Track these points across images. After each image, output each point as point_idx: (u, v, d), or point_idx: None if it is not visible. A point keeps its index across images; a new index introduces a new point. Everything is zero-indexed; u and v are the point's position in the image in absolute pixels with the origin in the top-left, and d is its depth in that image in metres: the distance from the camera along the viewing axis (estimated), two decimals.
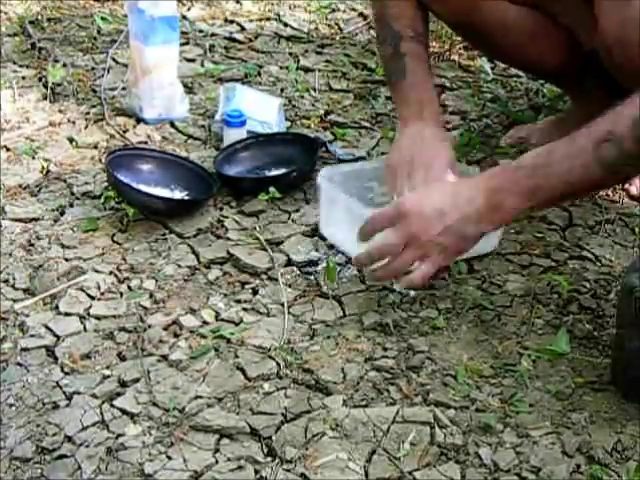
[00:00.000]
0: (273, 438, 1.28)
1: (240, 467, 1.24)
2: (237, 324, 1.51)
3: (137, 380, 1.38)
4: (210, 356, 1.43)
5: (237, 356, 1.44)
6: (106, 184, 1.84)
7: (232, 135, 1.97)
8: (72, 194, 1.85)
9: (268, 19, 2.73)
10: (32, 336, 1.47)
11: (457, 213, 1.40)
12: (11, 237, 1.71)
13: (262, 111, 2.07)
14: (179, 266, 1.64)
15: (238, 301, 1.56)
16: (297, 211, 1.80)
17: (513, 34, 1.80)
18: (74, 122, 2.12)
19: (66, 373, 1.40)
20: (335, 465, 1.24)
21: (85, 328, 1.49)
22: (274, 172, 1.91)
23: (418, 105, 1.70)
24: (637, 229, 1.73)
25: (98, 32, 2.58)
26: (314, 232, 1.74)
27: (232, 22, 2.71)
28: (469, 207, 1.40)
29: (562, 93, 2.18)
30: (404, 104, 1.73)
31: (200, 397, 1.35)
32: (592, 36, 1.57)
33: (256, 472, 1.24)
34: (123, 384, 1.38)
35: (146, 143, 2.03)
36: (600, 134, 1.30)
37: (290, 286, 1.60)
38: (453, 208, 1.41)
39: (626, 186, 1.84)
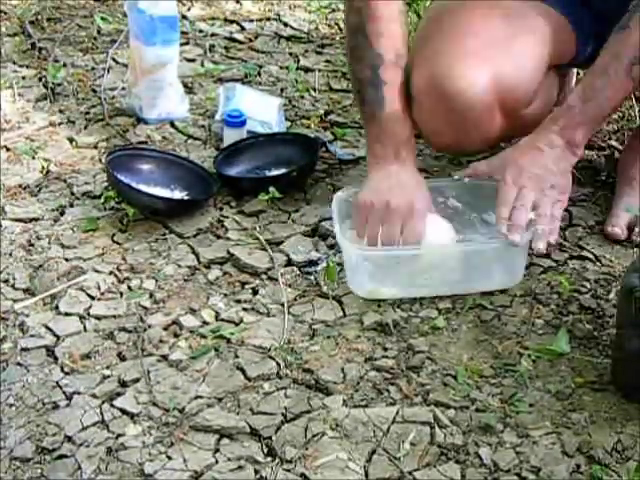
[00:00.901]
0: (273, 438, 1.28)
1: (240, 467, 1.24)
2: (237, 324, 1.51)
3: (137, 380, 1.39)
4: (210, 356, 1.44)
5: (237, 356, 1.44)
6: (106, 184, 1.84)
7: (232, 135, 1.97)
8: (72, 194, 1.85)
9: (268, 19, 2.72)
10: (32, 336, 1.47)
11: (550, 157, 1.57)
12: (11, 237, 1.71)
13: (262, 111, 2.07)
14: (179, 266, 1.64)
15: (238, 301, 1.56)
16: (297, 211, 1.80)
17: None
18: (74, 122, 2.12)
19: (66, 373, 1.40)
20: (335, 465, 1.24)
21: (85, 328, 1.50)
22: (274, 172, 1.91)
23: (394, 144, 1.60)
24: (637, 229, 1.72)
25: (98, 32, 2.58)
26: (314, 232, 1.73)
27: (232, 22, 2.71)
28: (555, 149, 1.57)
29: None
30: (378, 141, 1.62)
31: (200, 397, 1.35)
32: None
33: (256, 472, 1.24)
34: (123, 384, 1.38)
35: (146, 143, 2.03)
36: (629, 61, 1.54)
37: (290, 286, 1.60)
38: (546, 156, 1.57)
39: (608, 229, 1.71)
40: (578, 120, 1.56)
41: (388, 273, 1.56)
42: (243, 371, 1.41)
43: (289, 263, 1.65)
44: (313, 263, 1.64)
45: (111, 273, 1.62)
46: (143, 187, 1.78)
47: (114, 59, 2.41)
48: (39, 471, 1.24)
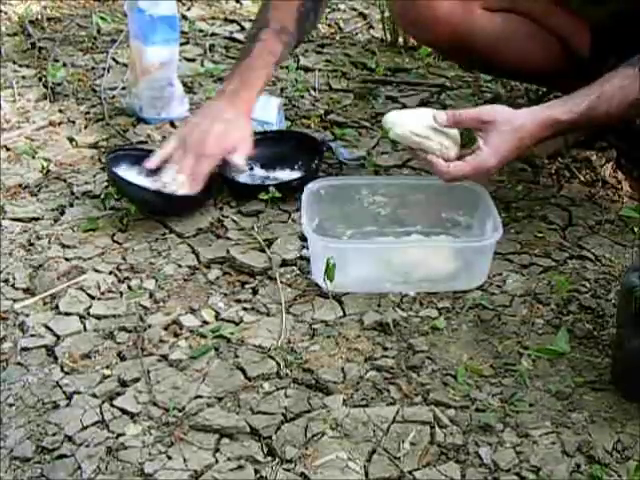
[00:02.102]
0: (273, 438, 1.28)
1: (240, 467, 1.24)
2: (237, 324, 1.51)
3: (137, 380, 1.39)
4: (210, 356, 1.44)
5: (237, 356, 1.44)
6: (106, 184, 1.84)
7: None
8: (72, 194, 1.85)
9: None
10: (32, 336, 1.47)
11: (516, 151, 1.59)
12: (11, 237, 1.72)
13: (262, 111, 2.06)
14: (179, 266, 1.64)
15: (238, 301, 1.56)
16: (297, 211, 1.79)
17: (509, 42, 1.82)
18: (74, 122, 2.12)
19: (66, 373, 1.40)
20: (335, 465, 1.24)
21: (85, 328, 1.50)
22: (277, 173, 1.89)
23: (234, 85, 1.78)
24: (637, 229, 1.72)
25: (98, 32, 2.58)
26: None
27: (232, 22, 2.72)
28: (529, 139, 1.58)
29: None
30: (226, 80, 1.83)
31: (200, 397, 1.35)
32: (583, 44, 1.84)
33: (256, 472, 1.24)
34: (123, 384, 1.38)
35: (146, 143, 2.03)
36: (629, 101, 1.57)
37: (290, 286, 1.60)
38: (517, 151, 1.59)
39: None
40: (560, 131, 1.61)
41: (353, 266, 1.56)
42: (243, 371, 1.41)
43: (289, 263, 1.65)
44: (308, 260, 1.63)
45: (111, 273, 1.62)
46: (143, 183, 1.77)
47: (114, 59, 2.42)
48: (39, 471, 1.24)
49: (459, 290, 1.57)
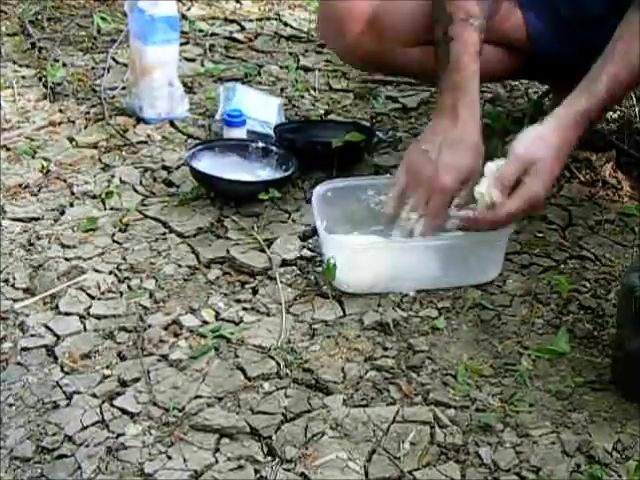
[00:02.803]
0: (273, 438, 1.28)
1: (240, 467, 1.24)
2: (237, 324, 1.51)
3: (137, 380, 1.39)
4: (210, 356, 1.44)
5: (237, 356, 1.44)
6: (106, 183, 1.84)
7: (232, 135, 1.97)
8: (72, 194, 1.85)
9: (268, 19, 2.73)
10: (32, 336, 1.47)
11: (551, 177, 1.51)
12: (11, 237, 1.71)
13: (262, 111, 2.07)
14: (179, 266, 1.64)
15: (238, 301, 1.56)
16: (297, 211, 1.80)
17: None
18: (74, 122, 2.12)
19: (66, 373, 1.40)
20: (335, 465, 1.24)
21: (85, 328, 1.50)
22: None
23: (453, 94, 1.63)
24: (637, 229, 1.72)
25: (98, 32, 2.58)
26: (314, 232, 1.73)
27: (232, 22, 2.71)
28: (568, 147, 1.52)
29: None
30: (440, 92, 1.66)
31: (200, 397, 1.35)
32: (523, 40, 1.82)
33: (256, 472, 1.24)
34: (123, 384, 1.38)
35: (146, 143, 2.03)
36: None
37: (290, 286, 1.60)
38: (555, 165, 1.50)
39: None
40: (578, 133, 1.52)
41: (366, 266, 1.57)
42: (243, 371, 1.41)
43: (289, 263, 1.65)
44: (314, 262, 1.64)
45: (111, 273, 1.62)
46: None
47: (114, 59, 2.42)
48: (39, 471, 1.24)
49: (463, 286, 1.57)
